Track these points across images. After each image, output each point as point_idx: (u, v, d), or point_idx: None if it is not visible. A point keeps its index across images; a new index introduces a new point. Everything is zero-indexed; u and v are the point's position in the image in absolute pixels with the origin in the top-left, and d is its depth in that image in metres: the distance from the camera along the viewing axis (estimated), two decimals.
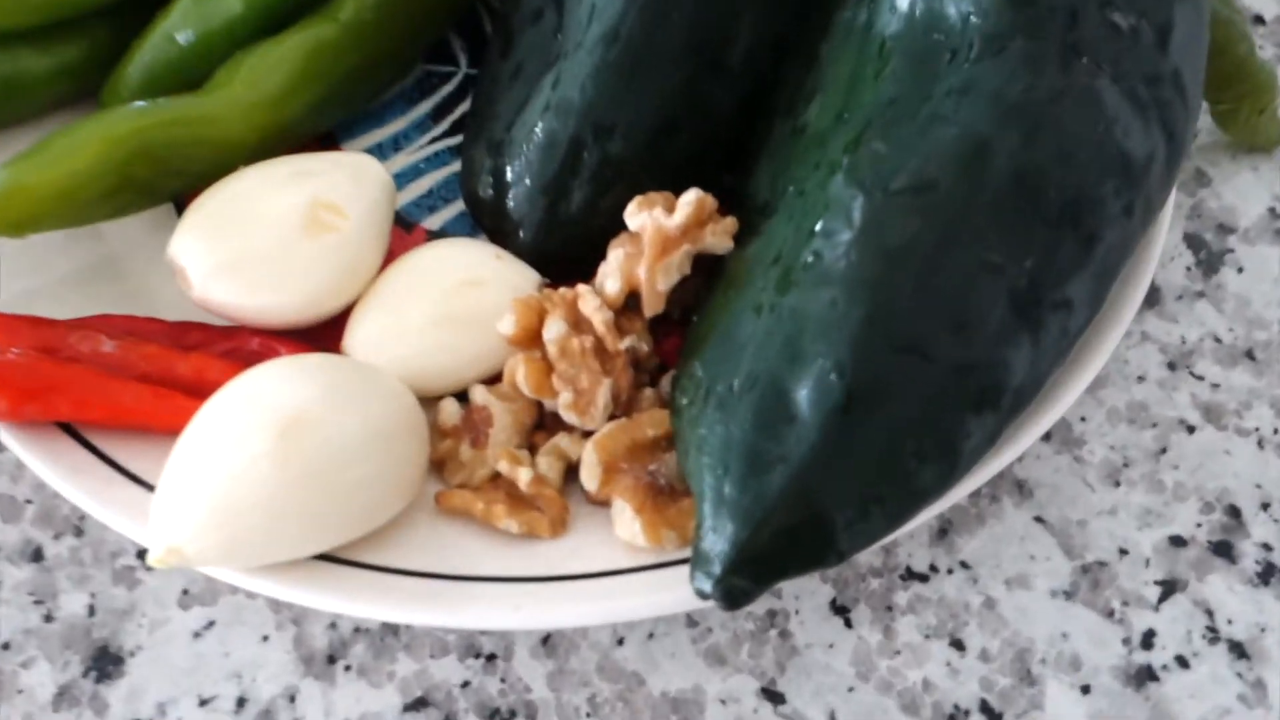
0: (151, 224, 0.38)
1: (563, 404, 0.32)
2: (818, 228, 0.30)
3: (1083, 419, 0.37)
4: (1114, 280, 0.31)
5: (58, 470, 0.31)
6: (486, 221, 0.37)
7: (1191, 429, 0.37)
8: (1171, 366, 0.39)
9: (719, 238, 0.33)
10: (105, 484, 0.31)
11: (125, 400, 0.32)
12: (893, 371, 0.28)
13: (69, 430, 0.32)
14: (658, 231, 0.33)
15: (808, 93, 0.35)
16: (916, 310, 0.28)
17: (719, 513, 0.27)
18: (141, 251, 0.38)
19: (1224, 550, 0.35)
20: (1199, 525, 0.35)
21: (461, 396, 0.34)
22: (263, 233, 0.33)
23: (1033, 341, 0.29)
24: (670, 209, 0.33)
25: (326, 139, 0.42)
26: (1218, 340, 0.39)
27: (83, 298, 0.36)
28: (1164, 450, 0.37)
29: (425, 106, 0.43)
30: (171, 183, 0.36)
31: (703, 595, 0.27)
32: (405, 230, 0.40)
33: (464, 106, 0.43)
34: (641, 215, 0.33)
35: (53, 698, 0.32)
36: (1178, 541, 0.35)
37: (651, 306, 0.33)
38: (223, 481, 0.28)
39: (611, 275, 0.33)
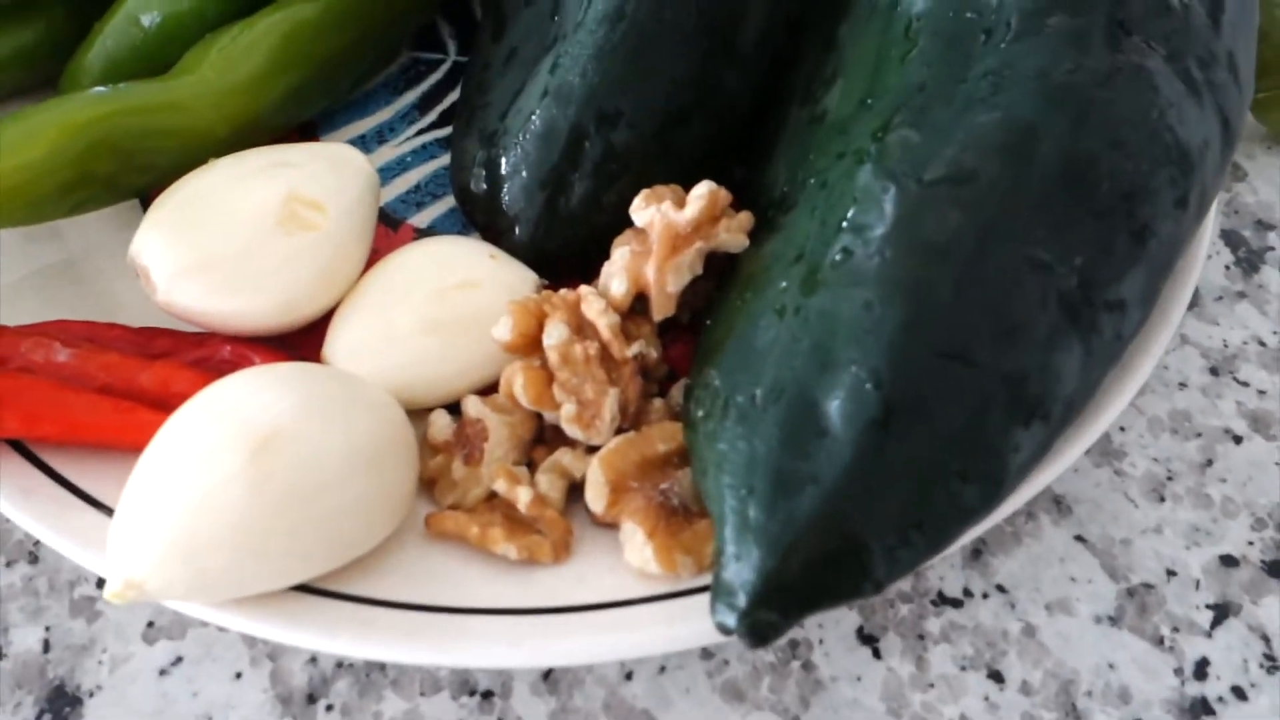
0: (115, 223, 0.36)
1: (565, 417, 0.29)
2: (845, 222, 0.27)
3: (1122, 429, 0.35)
4: (1166, 278, 0.29)
5: (6, 492, 0.28)
6: (479, 218, 0.35)
7: (1238, 439, 0.35)
8: (1214, 372, 0.36)
9: (734, 234, 0.31)
10: (59, 508, 0.28)
11: (81, 414, 0.29)
12: (934, 380, 0.25)
13: (20, 448, 0.29)
14: (667, 228, 0.30)
15: (827, 77, 0.33)
16: (959, 312, 0.25)
17: (743, 539, 0.24)
18: (104, 252, 0.36)
19: (1278, 570, 0.32)
20: (1250, 543, 0.33)
21: (453, 409, 0.31)
22: (234, 230, 0.31)
23: (1084, 346, 0.26)
24: (680, 203, 0.31)
25: (305, 130, 0.39)
26: (1262, 344, 0.37)
27: (39, 302, 0.34)
28: (1210, 462, 0.34)
29: (411, 96, 0.41)
30: (135, 177, 0.33)
31: (725, 630, 0.24)
32: (391, 228, 0.37)
33: (453, 96, 0.40)
34: (649, 210, 0.30)
35: None
36: (1229, 561, 0.32)
37: (661, 309, 0.30)
38: (189, 506, 0.25)
39: (617, 275, 0.30)
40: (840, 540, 0.24)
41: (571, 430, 0.29)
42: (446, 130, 0.39)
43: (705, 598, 0.26)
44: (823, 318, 0.26)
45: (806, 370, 0.26)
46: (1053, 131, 0.27)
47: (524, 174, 0.33)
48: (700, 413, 0.27)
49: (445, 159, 0.38)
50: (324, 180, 0.32)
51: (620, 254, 0.31)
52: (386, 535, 0.28)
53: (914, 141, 0.28)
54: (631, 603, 0.27)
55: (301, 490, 0.26)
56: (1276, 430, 0.35)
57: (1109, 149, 0.27)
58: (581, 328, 0.30)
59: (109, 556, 0.25)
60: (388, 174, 0.38)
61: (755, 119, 0.35)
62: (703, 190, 0.30)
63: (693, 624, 0.26)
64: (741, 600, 0.24)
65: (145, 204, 0.34)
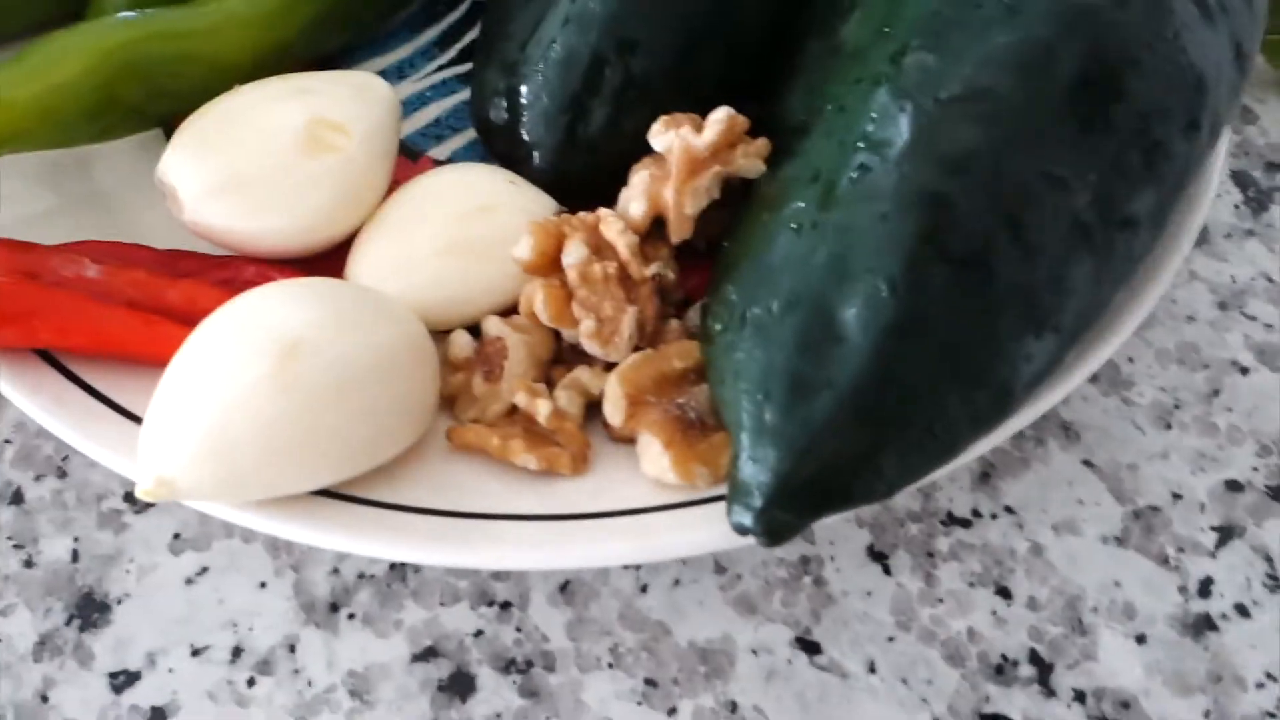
0: (142, 154, 0.36)
1: (585, 333, 0.30)
2: (862, 141, 0.28)
3: (1130, 360, 0.35)
4: (1177, 202, 0.29)
5: (38, 401, 0.29)
6: (499, 147, 0.35)
7: (1245, 370, 0.35)
8: (1222, 306, 0.36)
9: (750, 160, 0.31)
10: (89, 416, 0.29)
11: (111, 326, 0.29)
12: (949, 288, 0.25)
13: (51, 360, 0.30)
14: (685, 151, 0.31)
15: (843, 9, 0.33)
16: (974, 223, 0.26)
17: (759, 441, 0.25)
18: (130, 181, 0.36)
19: None
20: (1255, 469, 0.33)
21: (473, 332, 0.31)
22: (259, 152, 0.31)
23: (1096, 260, 0.27)
24: (698, 129, 0.31)
25: (327, 66, 0.39)
26: (1270, 280, 0.37)
27: (69, 228, 0.34)
28: (1216, 392, 0.35)
29: (431, 33, 0.41)
30: (160, 103, 0.34)
31: (742, 530, 0.25)
32: (411, 159, 0.37)
33: (472, 34, 0.41)
34: (668, 135, 0.31)
35: (33, 647, 0.30)
36: (1234, 486, 0.33)
37: (679, 231, 0.31)
38: (218, 407, 0.26)
39: (636, 199, 0.31)
40: (854, 443, 0.25)
41: (590, 346, 0.30)
42: (466, 66, 0.40)
43: (720, 506, 0.26)
44: (840, 231, 0.27)
45: (823, 281, 0.26)
46: (1069, 50, 0.27)
47: (544, 101, 0.33)
48: (718, 326, 0.28)
49: (465, 94, 0.39)
50: (347, 105, 0.32)
51: (639, 178, 0.31)
52: (409, 444, 0.29)
53: (931, 63, 0.28)
54: (649, 510, 0.28)
55: (327, 396, 0.27)
56: None
57: (1125, 69, 0.27)
58: (600, 248, 0.31)
59: (141, 455, 0.26)
60: (408, 108, 0.39)
61: (772, 52, 0.35)
62: (721, 115, 0.31)
63: (709, 529, 0.27)
64: (758, 500, 0.25)
65: (169, 134, 0.34)
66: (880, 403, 0.25)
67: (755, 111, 0.34)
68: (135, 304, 0.31)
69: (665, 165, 0.31)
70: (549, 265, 0.31)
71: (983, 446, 0.28)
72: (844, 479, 0.25)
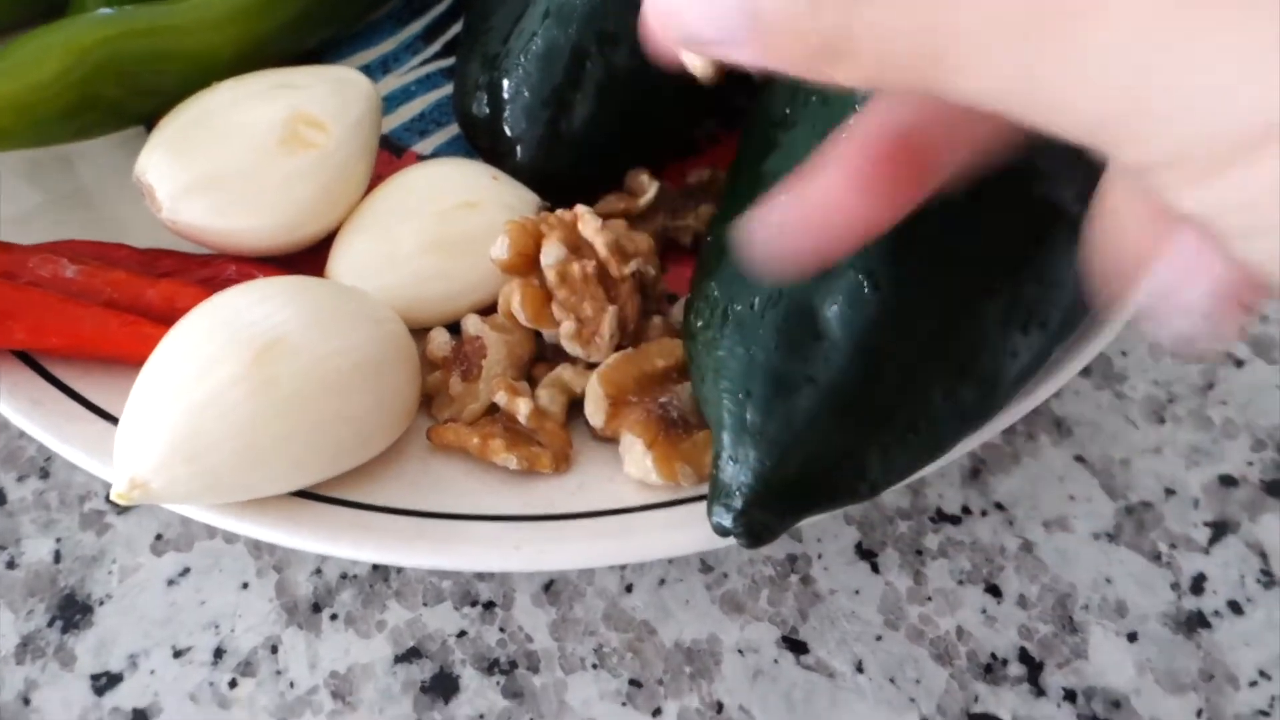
0: (124, 151, 0.36)
1: (565, 334, 0.29)
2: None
3: (1123, 353, 0.35)
4: None
5: (15, 403, 0.29)
6: (482, 142, 0.35)
7: (1240, 363, 0.35)
8: None
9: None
10: (66, 418, 0.29)
11: (87, 327, 0.29)
12: (932, 283, 0.25)
13: (28, 361, 0.30)
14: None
15: None
16: (958, 217, 0.25)
17: (740, 440, 0.25)
18: (113, 178, 0.36)
19: (1277, 490, 0.32)
20: (1250, 464, 0.33)
21: (453, 329, 0.31)
22: (237, 149, 0.31)
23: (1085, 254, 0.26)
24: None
25: (310, 60, 0.39)
26: None
27: (51, 226, 0.34)
28: (1211, 386, 0.34)
29: (416, 27, 0.40)
30: (141, 101, 0.34)
31: (722, 531, 0.25)
32: (395, 155, 0.37)
33: (457, 27, 0.40)
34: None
35: (15, 649, 0.29)
36: (1228, 481, 0.32)
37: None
38: (192, 409, 0.25)
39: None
40: (837, 441, 0.25)
41: (571, 347, 0.29)
42: (450, 60, 0.39)
43: (704, 505, 0.26)
44: None
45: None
46: None
47: (526, 95, 0.33)
48: (699, 323, 0.27)
49: (449, 88, 0.38)
50: (326, 101, 0.32)
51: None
52: (388, 445, 0.28)
53: None
54: (631, 510, 0.27)
55: (303, 397, 0.26)
56: (1278, 354, 0.35)
57: None
58: (579, 246, 0.30)
59: (115, 458, 0.26)
60: (392, 103, 0.38)
61: None
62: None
63: (692, 530, 0.27)
64: (738, 501, 0.24)
65: (150, 130, 0.34)
66: (863, 399, 0.25)
67: (741, 101, 0.33)
68: (114, 304, 0.30)
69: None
70: (527, 264, 0.30)
71: (972, 442, 0.27)
72: (827, 478, 0.25)
